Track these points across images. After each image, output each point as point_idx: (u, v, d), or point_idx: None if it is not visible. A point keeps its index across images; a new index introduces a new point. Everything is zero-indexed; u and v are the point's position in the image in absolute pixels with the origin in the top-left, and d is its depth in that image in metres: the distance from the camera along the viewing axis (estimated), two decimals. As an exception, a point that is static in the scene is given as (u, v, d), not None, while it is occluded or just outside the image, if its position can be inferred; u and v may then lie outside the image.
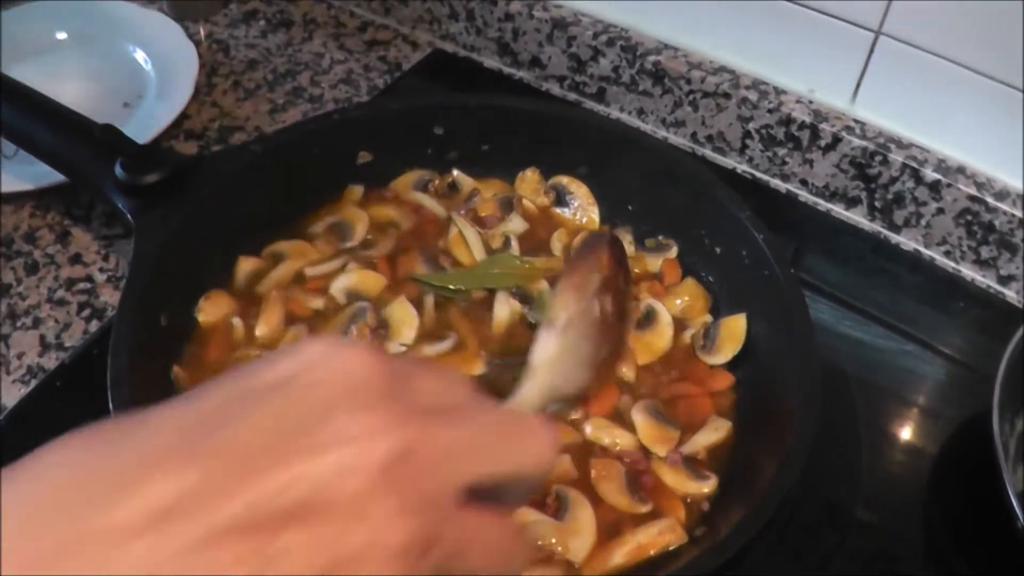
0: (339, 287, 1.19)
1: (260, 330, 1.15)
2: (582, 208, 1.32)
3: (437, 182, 1.34)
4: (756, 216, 1.18)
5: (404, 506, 0.47)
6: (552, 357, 0.86)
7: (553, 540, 0.98)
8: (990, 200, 1.31)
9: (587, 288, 0.95)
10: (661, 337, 1.18)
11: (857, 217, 1.45)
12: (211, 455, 0.46)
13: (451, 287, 1.19)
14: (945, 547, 1.12)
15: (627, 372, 1.14)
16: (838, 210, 1.46)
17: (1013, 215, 1.30)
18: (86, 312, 1.25)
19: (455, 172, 1.35)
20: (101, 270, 1.30)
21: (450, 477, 0.51)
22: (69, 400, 1.15)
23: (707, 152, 1.53)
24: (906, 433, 1.22)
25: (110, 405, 0.97)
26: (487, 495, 0.54)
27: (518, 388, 0.82)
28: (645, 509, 1.03)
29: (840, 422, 1.19)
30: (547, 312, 0.89)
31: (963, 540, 1.12)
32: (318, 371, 0.50)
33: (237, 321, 1.15)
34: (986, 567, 1.09)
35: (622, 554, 0.99)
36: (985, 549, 1.10)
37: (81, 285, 1.28)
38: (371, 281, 1.20)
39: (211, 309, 1.16)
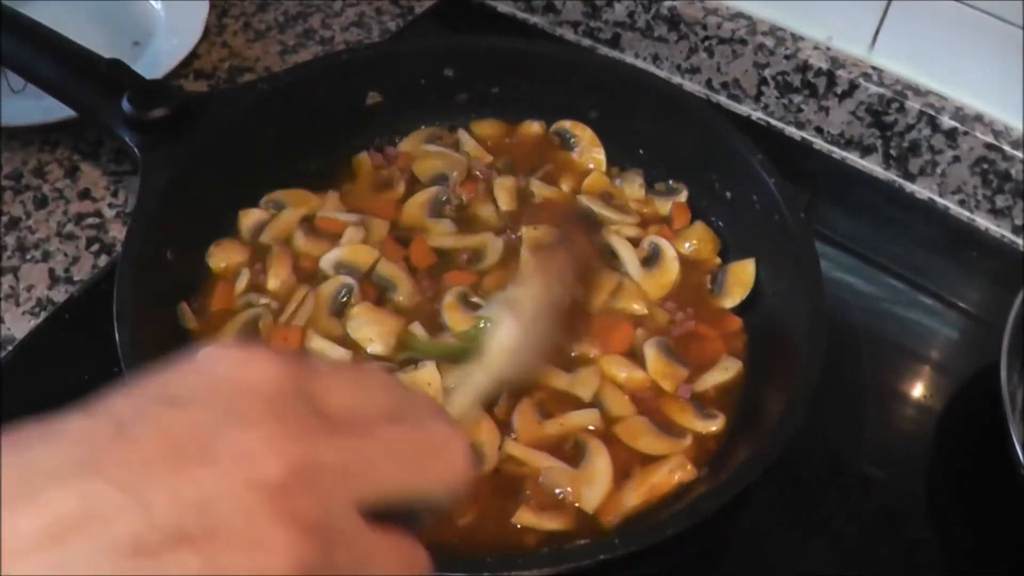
0: (329, 260, 1.17)
1: (272, 283, 1.14)
2: (586, 151, 1.31)
3: (444, 137, 1.34)
4: (768, 160, 1.17)
5: (295, 527, 0.44)
6: (511, 348, 0.85)
7: (568, 488, 0.99)
8: (1007, 148, 1.29)
9: (562, 278, 0.93)
10: (668, 272, 1.18)
11: (872, 165, 1.43)
12: (113, 467, 0.43)
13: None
14: (949, 504, 1.11)
15: (639, 307, 1.14)
16: (853, 158, 1.44)
17: (1030, 163, 1.28)
18: (95, 247, 1.25)
19: (459, 132, 1.34)
20: (110, 206, 1.30)
21: (347, 496, 0.48)
22: (77, 332, 1.15)
23: (722, 99, 1.51)
24: (913, 387, 1.21)
25: (116, 335, 0.97)
26: (394, 514, 0.51)
27: (466, 376, 0.80)
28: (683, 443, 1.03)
29: (847, 376, 1.19)
30: (514, 295, 0.87)
31: (967, 497, 1.11)
32: (219, 382, 0.47)
33: (244, 271, 1.15)
34: (990, 524, 1.09)
35: (636, 496, 0.99)
36: (989, 506, 1.10)
37: (90, 220, 1.28)
38: (362, 255, 1.17)
39: (221, 255, 1.16)
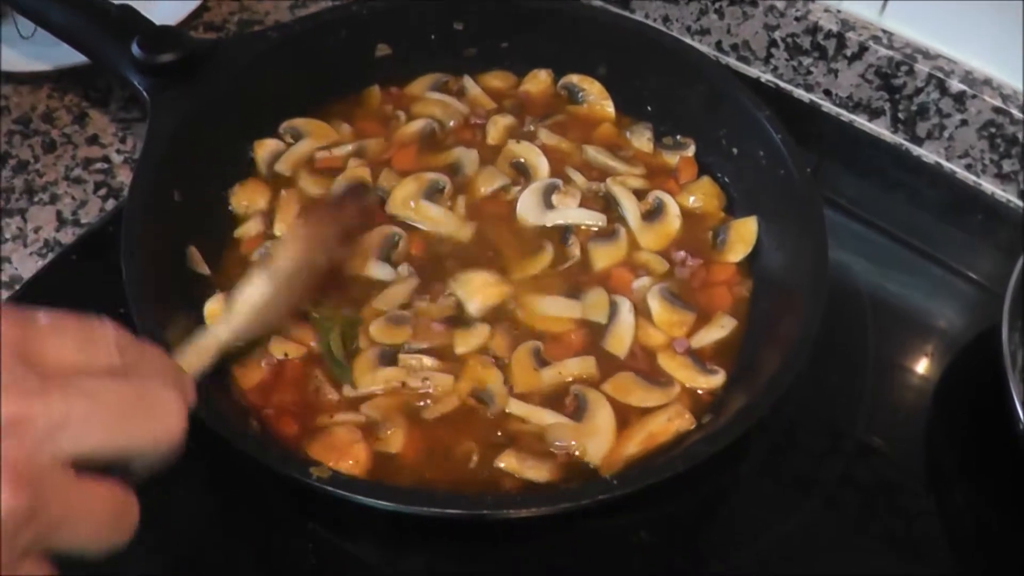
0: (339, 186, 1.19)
1: (279, 228, 1.15)
2: (596, 103, 1.31)
3: (450, 82, 1.34)
4: (775, 116, 1.17)
5: (5, 478, 0.48)
6: (258, 303, 0.90)
7: (572, 443, 0.99)
8: (1015, 112, 1.29)
9: (323, 241, 0.96)
10: (669, 226, 1.18)
11: (879, 128, 1.43)
12: None
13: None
14: (948, 466, 1.11)
15: (639, 256, 1.15)
16: (861, 121, 1.44)
17: (1038, 128, 1.28)
18: (102, 191, 1.26)
19: (464, 78, 1.34)
20: (118, 151, 1.31)
21: (60, 449, 0.51)
22: (84, 273, 1.16)
23: (731, 61, 1.51)
24: (915, 352, 1.21)
25: (123, 272, 0.98)
26: (110, 466, 0.54)
27: (208, 331, 0.84)
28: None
29: (850, 340, 1.19)
30: (271, 253, 0.89)
31: (968, 459, 1.11)
32: None
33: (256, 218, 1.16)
34: (990, 486, 1.09)
35: (635, 444, 0.99)
36: (990, 469, 1.09)
37: (98, 165, 1.29)
38: (364, 173, 1.21)
39: (243, 195, 1.18)
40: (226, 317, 0.87)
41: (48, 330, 0.54)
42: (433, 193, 1.18)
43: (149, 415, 0.57)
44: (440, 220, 1.16)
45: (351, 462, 0.95)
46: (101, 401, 0.54)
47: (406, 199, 1.17)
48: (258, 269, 0.90)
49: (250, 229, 1.15)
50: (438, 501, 0.86)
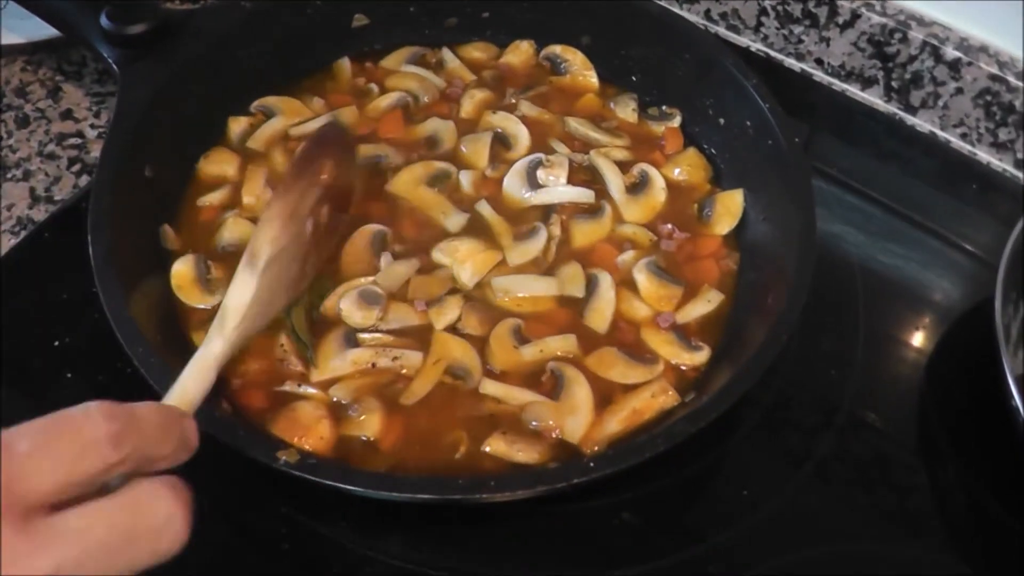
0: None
1: (246, 199, 1.13)
2: (579, 74, 1.28)
3: (428, 55, 1.31)
4: (762, 84, 1.14)
5: None
6: (247, 302, 0.84)
7: (550, 421, 0.96)
8: (1012, 80, 1.25)
9: (300, 211, 0.90)
10: (654, 199, 1.15)
11: (872, 98, 1.40)
12: None
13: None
14: (941, 439, 1.09)
15: (624, 230, 1.12)
16: (853, 90, 1.41)
17: (1035, 96, 1.25)
18: (76, 167, 1.23)
19: (443, 50, 1.31)
20: (92, 126, 1.28)
21: None
22: (57, 251, 1.13)
23: (720, 30, 1.47)
24: (908, 325, 1.19)
25: (90, 249, 0.96)
26: None
27: (203, 345, 0.80)
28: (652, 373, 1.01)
29: (841, 314, 1.17)
30: (250, 246, 0.85)
31: (960, 433, 1.09)
32: None
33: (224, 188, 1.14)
34: (983, 461, 1.07)
35: (617, 422, 0.97)
36: (982, 442, 1.07)
37: (72, 140, 1.26)
38: None
39: (213, 163, 1.15)
40: (219, 326, 0.82)
41: (29, 458, 0.52)
42: (436, 182, 1.15)
43: (146, 537, 0.56)
44: (437, 207, 1.13)
45: (318, 438, 0.92)
46: (92, 539, 0.53)
47: (411, 182, 1.14)
48: (241, 266, 0.86)
49: (214, 198, 1.13)
50: (410, 486, 0.84)
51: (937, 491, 1.04)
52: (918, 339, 1.17)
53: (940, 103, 1.34)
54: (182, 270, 1.04)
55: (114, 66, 1.12)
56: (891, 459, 1.06)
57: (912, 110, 1.37)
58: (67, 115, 1.29)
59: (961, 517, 1.04)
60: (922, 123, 1.37)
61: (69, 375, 1.04)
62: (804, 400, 1.09)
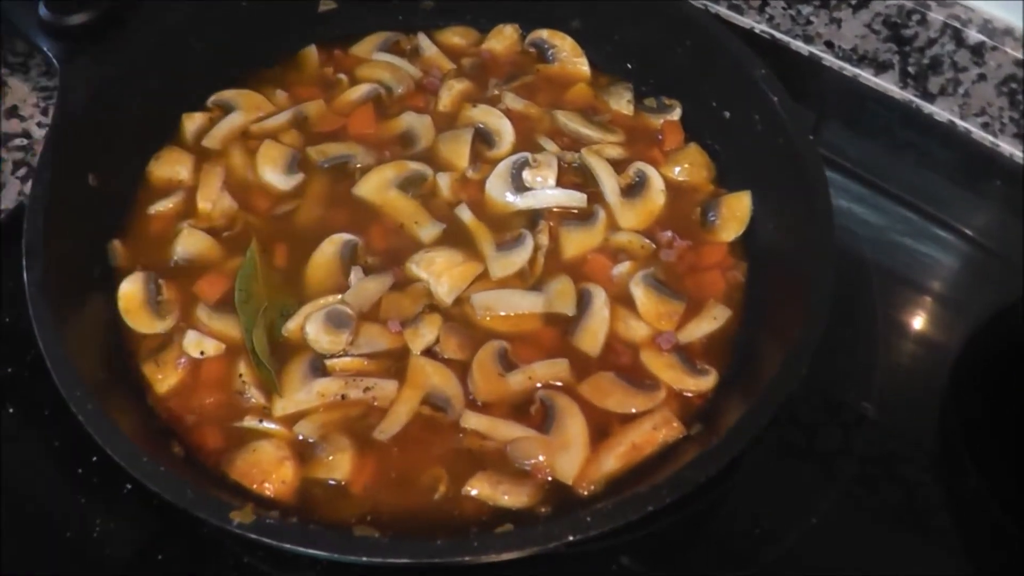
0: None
1: (202, 205, 1.03)
2: (569, 61, 1.18)
3: (402, 42, 1.21)
4: (772, 75, 1.04)
5: None
6: None
7: (540, 458, 0.87)
8: (1040, 65, 1.16)
9: None
10: (652, 203, 1.06)
11: (887, 84, 1.30)
12: None
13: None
14: (959, 452, 1.01)
15: (618, 238, 1.03)
16: (866, 76, 1.31)
17: (1066, 82, 1.15)
18: (22, 171, 1.13)
19: (419, 36, 1.21)
20: (40, 125, 1.17)
21: None
22: (3, 265, 1.02)
23: (722, 10, 1.38)
24: (926, 328, 1.10)
25: (24, 275, 0.86)
26: None
27: None
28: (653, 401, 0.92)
29: (855, 314, 1.08)
30: None
31: (980, 444, 1.01)
32: None
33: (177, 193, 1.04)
34: (1004, 468, 0.99)
35: (615, 458, 0.87)
36: (1004, 450, 1.00)
37: (17, 142, 1.16)
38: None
39: (165, 165, 1.06)
40: None
41: None
42: (409, 185, 1.06)
43: None
44: (409, 215, 1.03)
45: (280, 483, 0.83)
46: None
47: (380, 186, 1.04)
48: None
49: (167, 204, 1.03)
50: (381, 549, 0.74)
51: (953, 501, 0.97)
52: (940, 343, 1.10)
53: (960, 90, 1.24)
54: (130, 291, 0.94)
55: (54, 61, 1.02)
56: (905, 465, 0.98)
57: (930, 97, 1.27)
58: (12, 112, 1.18)
59: (975, 525, 0.97)
60: (940, 111, 1.28)
61: (11, 410, 0.95)
62: (816, 402, 1.01)
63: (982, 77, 1.22)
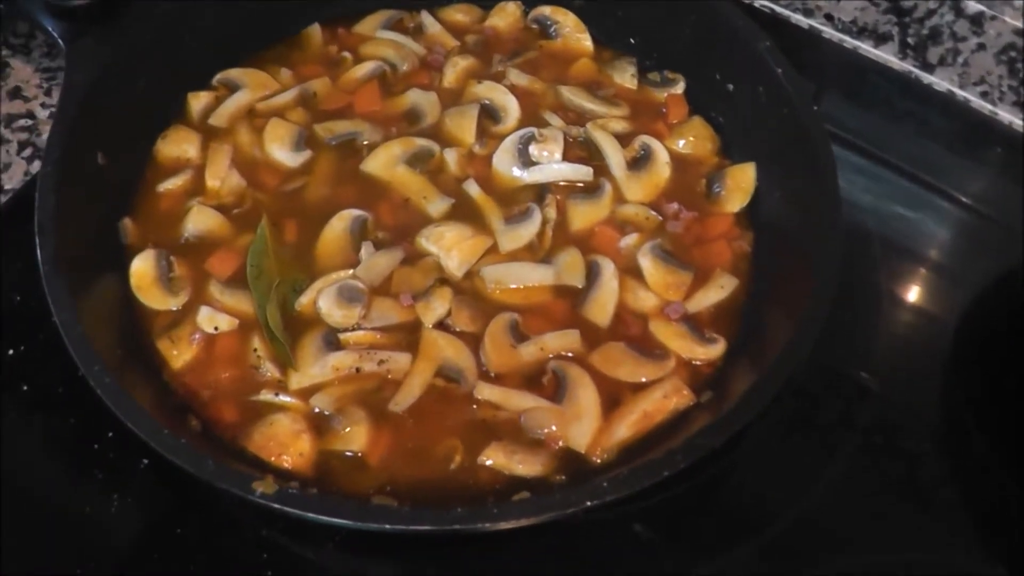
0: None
1: (210, 182, 1.03)
2: (572, 37, 1.19)
3: (405, 19, 1.21)
4: (775, 47, 1.04)
5: None
6: None
7: (553, 428, 0.87)
8: (1039, 34, 1.17)
9: None
10: (657, 176, 1.06)
11: (887, 55, 1.30)
12: None
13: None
14: (964, 420, 1.02)
15: (625, 210, 1.03)
16: (866, 48, 1.31)
17: (1065, 50, 1.16)
18: (27, 151, 1.13)
19: (422, 14, 1.21)
20: (44, 106, 1.17)
21: None
22: (10, 248, 1.03)
23: (721, -16, 1.38)
24: (928, 296, 1.11)
25: (38, 253, 0.86)
26: None
27: None
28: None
29: (856, 285, 1.09)
30: None
31: (983, 409, 1.02)
32: None
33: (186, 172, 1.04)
34: (1007, 436, 0.99)
35: (627, 426, 0.88)
36: (1006, 418, 1.00)
37: (21, 122, 1.16)
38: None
39: (172, 144, 1.06)
40: None
41: None
42: (417, 161, 1.06)
43: None
44: (418, 190, 1.03)
45: (298, 455, 0.84)
46: None
47: (388, 162, 1.05)
48: None
49: (175, 183, 1.03)
50: (402, 517, 0.75)
51: (957, 471, 0.98)
52: (937, 309, 1.11)
53: (960, 60, 1.25)
54: (142, 268, 0.95)
55: (59, 40, 1.01)
56: (907, 435, 0.99)
57: (929, 68, 1.28)
58: (15, 94, 1.18)
59: (980, 495, 0.97)
60: (939, 81, 1.28)
61: (25, 388, 0.95)
62: (818, 373, 1.00)
63: (981, 47, 1.22)
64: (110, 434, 0.91)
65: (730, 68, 1.10)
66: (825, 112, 1.25)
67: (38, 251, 0.86)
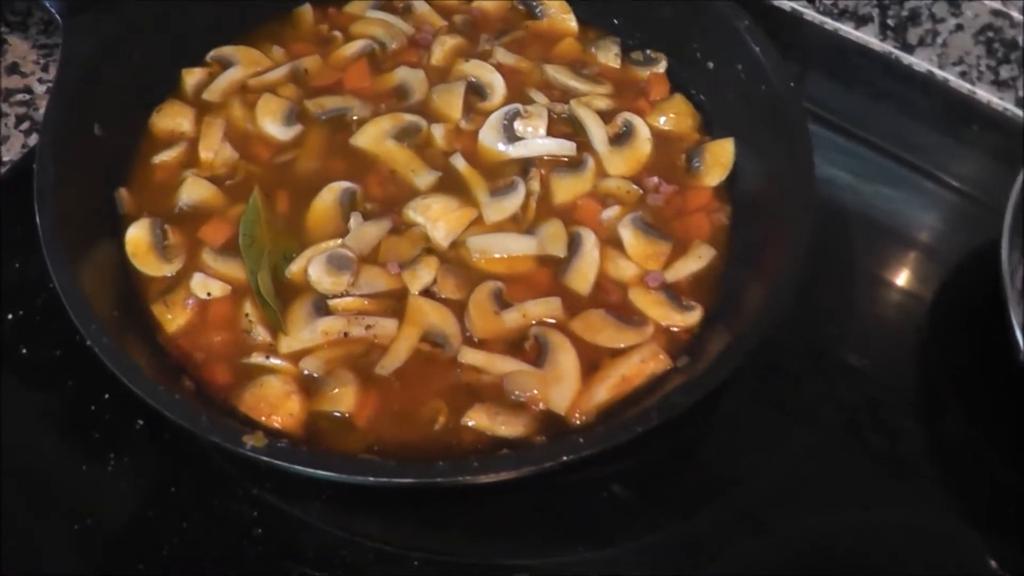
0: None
1: (204, 155, 1.06)
2: (557, 17, 1.21)
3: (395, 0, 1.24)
4: (754, 26, 1.07)
5: None
6: None
7: (535, 391, 0.90)
8: (1015, 15, 1.19)
9: None
10: (639, 151, 1.09)
11: (867, 37, 1.33)
12: None
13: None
14: (941, 391, 1.05)
15: (607, 184, 1.06)
16: (847, 29, 1.34)
17: (1040, 30, 1.18)
18: (25, 125, 1.16)
19: None
20: (40, 81, 1.20)
21: None
22: (8, 217, 1.06)
23: (704, -33, 1.40)
24: (905, 272, 1.14)
25: (37, 220, 0.89)
26: None
27: None
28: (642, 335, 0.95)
29: (836, 261, 1.12)
30: None
31: (961, 384, 1.04)
32: None
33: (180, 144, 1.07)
34: (986, 410, 1.02)
35: (606, 389, 0.91)
36: (984, 394, 1.03)
37: (19, 97, 1.18)
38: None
39: (166, 118, 1.08)
40: None
41: None
42: (405, 136, 1.08)
43: None
44: (405, 164, 1.06)
45: (288, 415, 0.87)
46: None
47: (377, 136, 1.07)
48: None
49: (170, 155, 1.06)
50: (387, 470, 0.78)
51: (939, 445, 1.01)
52: (917, 286, 1.13)
53: (939, 41, 1.27)
54: (137, 235, 0.98)
55: (56, 16, 1.03)
56: (890, 411, 1.02)
57: (909, 48, 1.30)
58: (13, 69, 1.21)
59: (961, 468, 1.00)
60: (919, 62, 1.30)
61: (24, 351, 0.98)
62: (799, 351, 1.04)
63: (959, 27, 1.25)
64: (106, 396, 0.94)
65: (710, 47, 1.12)
66: (809, 94, 1.27)
67: (37, 216, 0.89)
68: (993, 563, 0.94)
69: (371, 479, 0.77)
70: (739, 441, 0.99)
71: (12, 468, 0.91)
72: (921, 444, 1.00)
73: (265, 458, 0.76)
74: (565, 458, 0.78)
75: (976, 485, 0.99)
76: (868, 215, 1.17)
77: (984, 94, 1.28)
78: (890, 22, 1.30)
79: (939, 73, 1.30)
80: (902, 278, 1.14)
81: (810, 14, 1.36)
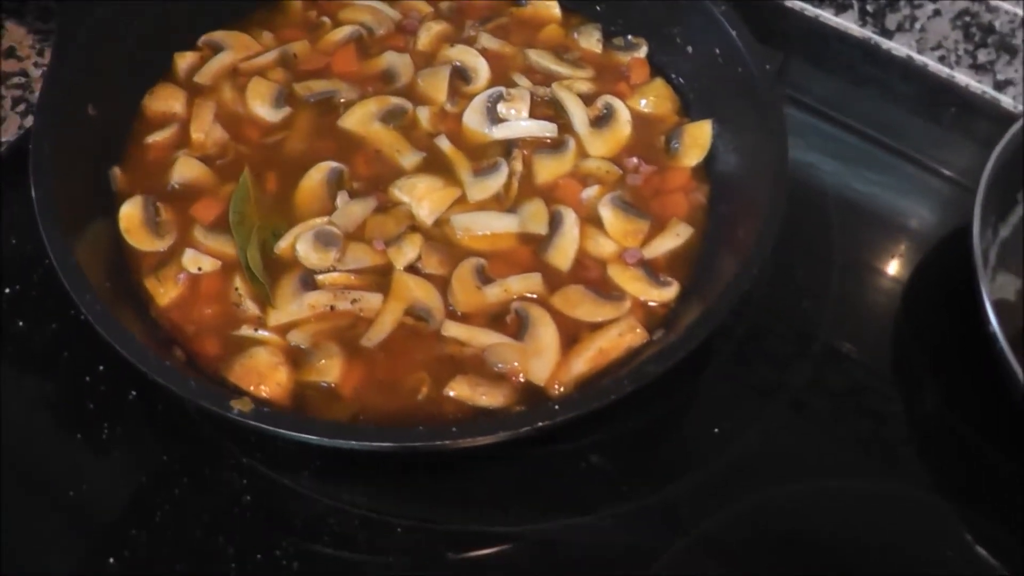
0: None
1: (195, 135, 1.08)
2: (541, 4, 1.24)
3: None
4: (732, 10, 1.09)
5: None
6: None
7: (515, 363, 0.93)
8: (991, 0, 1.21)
9: None
10: (619, 133, 1.11)
11: (847, 23, 1.35)
12: None
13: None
14: (917, 368, 1.07)
15: (588, 164, 1.09)
16: (827, 16, 1.36)
17: (1015, 14, 1.21)
18: (21, 107, 1.18)
19: None
20: (36, 65, 1.22)
21: None
22: (4, 195, 1.09)
23: (688, -45, 1.42)
24: (884, 252, 1.17)
25: (32, 193, 0.92)
26: None
27: None
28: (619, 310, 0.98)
29: (815, 244, 1.15)
30: None
31: (936, 361, 1.08)
32: None
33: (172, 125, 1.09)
34: (960, 386, 1.05)
35: (584, 362, 0.94)
36: (959, 370, 1.06)
37: (15, 80, 1.21)
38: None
39: (158, 100, 1.11)
40: None
41: None
42: (391, 118, 1.11)
43: None
44: (391, 144, 1.09)
45: (275, 385, 0.90)
46: None
47: (364, 118, 1.10)
48: None
49: (163, 135, 1.08)
50: (369, 434, 0.81)
51: (914, 419, 1.03)
52: (894, 266, 1.15)
53: (917, 26, 1.30)
54: (130, 212, 1.00)
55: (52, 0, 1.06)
56: (868, 388, 1.04)
57: (888, 34, 1.33)
58: (10, 53, 1.23)
59: (938, 444, 1.02)
60: (899, 47, 1.33)
61: (20, 324, 1.01)
62: (778, 331, 1.07)
63: (937, 12, 1.27)
64: (101, 367, 0.97)
65: (690, 32, 1.14)
66: (791, 80, 1.30)
67: (33, 191, 0.91)
68: (968, 536, 0.96)
69: (354, 443, 0.80)
70: (717, 417, 1.02)
71: (9, 438, 0.94)
72: (899, 419, 1.03)
73: (252, 422, 0.79)
74: (540, 423, 0.80)
75: (950, 458, 1.02)
76: (849, 198, 1.20)
77: (963, 78, 1.30)
78: (869, 8, 1.32)
79: (918, 58, 1.32)
80: (882, 260, 1.16)
81: (791, 1, 1.38)
